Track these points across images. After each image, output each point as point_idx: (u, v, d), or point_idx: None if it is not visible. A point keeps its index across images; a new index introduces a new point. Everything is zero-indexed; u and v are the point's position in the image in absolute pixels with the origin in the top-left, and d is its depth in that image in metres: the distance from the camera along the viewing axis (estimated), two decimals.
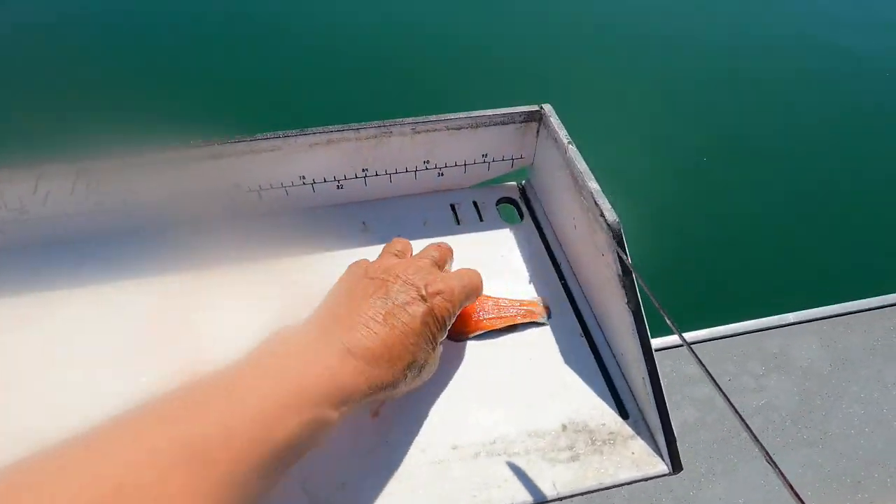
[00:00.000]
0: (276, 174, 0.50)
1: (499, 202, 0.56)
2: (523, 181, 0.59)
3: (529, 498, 0.35)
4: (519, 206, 0.56)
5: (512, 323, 0.45)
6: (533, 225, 0.54)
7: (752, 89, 2.33)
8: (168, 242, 0.49)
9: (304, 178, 0.51)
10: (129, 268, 0.47)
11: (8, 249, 0.47)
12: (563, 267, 0.50)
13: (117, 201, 0.47)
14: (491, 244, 0.52)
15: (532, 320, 0.45)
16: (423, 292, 0.35)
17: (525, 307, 0.46)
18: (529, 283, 0.49)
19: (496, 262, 0.50)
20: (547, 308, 0.46)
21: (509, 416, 0.40)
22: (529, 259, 0.51)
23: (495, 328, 0.44)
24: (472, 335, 0.44)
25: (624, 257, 0.39)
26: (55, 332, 0.43)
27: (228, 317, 0.44)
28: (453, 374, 0.42)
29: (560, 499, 0.36)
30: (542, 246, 0.52)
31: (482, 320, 0.44)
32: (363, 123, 0.49)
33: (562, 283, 0.49)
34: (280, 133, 0.47)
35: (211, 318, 0.44)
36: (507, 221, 0.54)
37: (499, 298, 0.46)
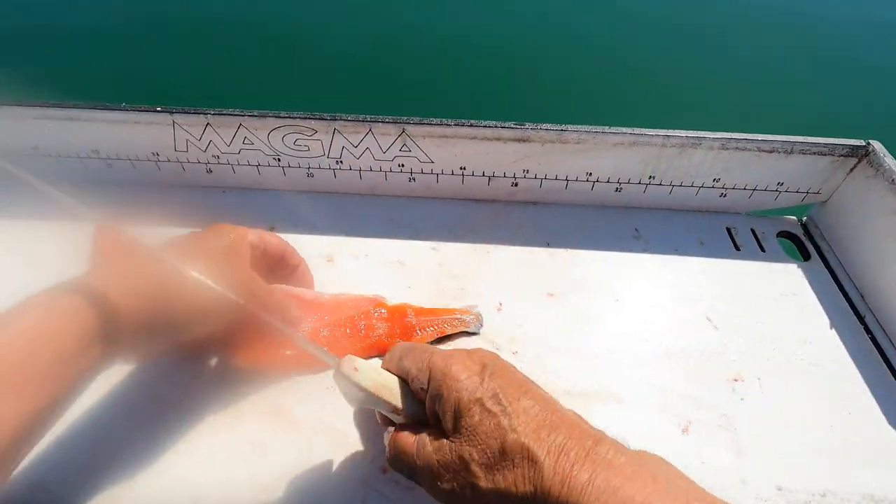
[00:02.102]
0: (559, 168, 0.50)
1: (778, 234, 0.53)
2: (804, 217, 0.54)
3: None
4: (803, 243, 0.52)
5: (443, 334, 0.43)
6: (823, 266, 0.50)
7: None
8: None
9: (589, 174, 0.51)
10: None
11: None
12: (868, 319, 0.45)
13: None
14: (776, 279, 0.48)
15: (463, 329, 0.43)
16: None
17: (456, 316, 0.43)
18: (831, 328, 0.45)
19: (785, 299, 0.47)
20: (478, 316, 0.44)
21: (833, 471, 0.36)
22: (824, 303, 0.47)
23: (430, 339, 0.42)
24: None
25: None
26: None
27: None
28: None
29: None
30: (838, 291, 0.48)
31: (419, 336, 0.42)
32: (674, 131, 0.47)
33: (869, 337, 0.44)
34: (588, 128, 0.47)
35: None
36: (790, 257, 0.51)
37: (431, 312, 0.44)
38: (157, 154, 0.51)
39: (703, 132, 0.47)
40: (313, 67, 1.60)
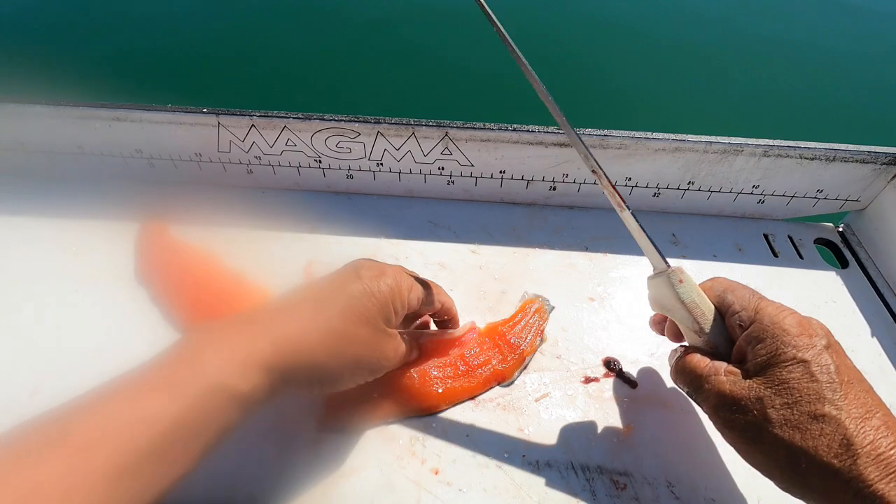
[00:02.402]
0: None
1: (816, 241, 0.53)
2: (840, 224, 0.55)
3: None
4: (840, 250, 0.52)
5: (541, 331, 0.42)
6: (862, 273, 0.50)
7: None
8: None
9: (629, 179, 0.51)
10: None
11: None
12: None
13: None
14: (815, 287, 0.49)
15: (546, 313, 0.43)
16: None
17: (534, 307, 0.42)
18: (872, 336, 0.45)
19: (826, 306, 0.47)
20: (542, 297, 0.43)
21: None
22: (864, 311, 0.47)
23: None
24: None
25: None
26: None
27: None
28: None
29: None
30: (878, 299, 0.48)
31: (527, 348, 0.41)
32: (716, 137, 0.47)
33: None
34: (630, 133, 0.48)
35: None
36: (828, 264, 0.51)
37: (514, 319, 0.42)
38: (200, 154, 0.52)
39: (745, 139, 0.47)
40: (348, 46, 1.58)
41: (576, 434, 0.37)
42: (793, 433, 0.27)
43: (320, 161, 0.52)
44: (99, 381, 0.38)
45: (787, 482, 0.28)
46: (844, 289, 0.48)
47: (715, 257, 0.51)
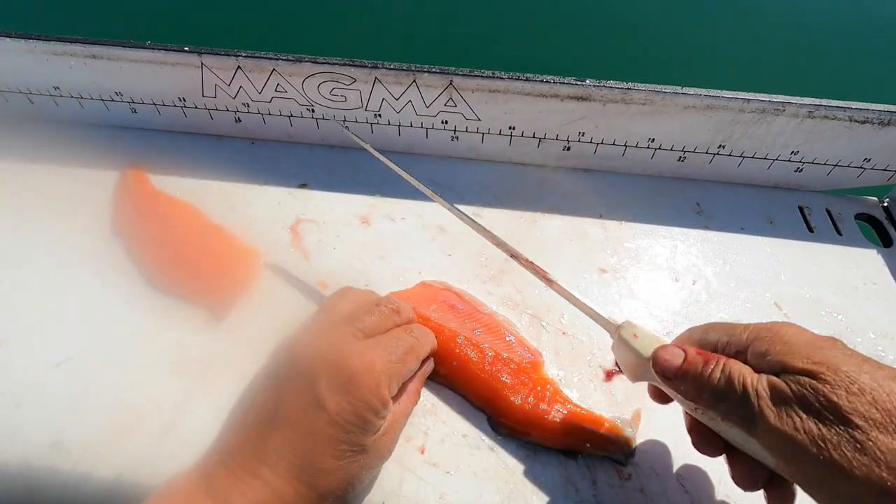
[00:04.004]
0: (619, 132, 0.46)
1: (856, 217, 0.48)
2: (885, 198, 0.49)
3: None
4: (884, 227, 0.47)
5: (573, 448, 0.33)
6: None
7: None
8: None
9: (652, 140, 0.46)
10: None
11: None
12: None
13: None
14: (853, 266, 0.44)
15: (604, 453, 0.33)
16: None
17: (602, 431, 0.32)
18: None
19: (865, 288, 0.42)
20: (630, 442, 0.32)
21: None
22: None
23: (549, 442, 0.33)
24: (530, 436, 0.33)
25: None
26: None
27: None
28: None
29: None
30: None
31: (544, 422, 0.33)
32: (755, 94, 0.42)
33: None
34: (657, 87, 0.42)
35: None
36: (870, 242, 0.46)
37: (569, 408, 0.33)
38: (184, 99, 0.48)
39: (788, 97, 0.42)
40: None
41: None
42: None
43: (313, 110, 0.47)
44: (66, 339, 0.36)
45: None
46: (886, 269, 0.44)
47: (742, 230, 0.46)
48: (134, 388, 0.34)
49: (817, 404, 0.22)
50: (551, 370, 0.36)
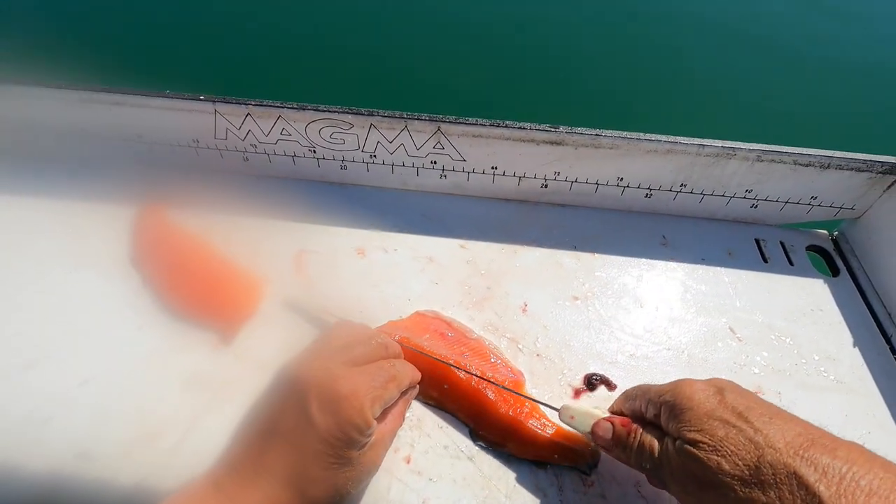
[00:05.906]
0: (591, 171, 0.51)
1: (808, 248, 0.52)
2: (835, 231, 0.54)
3: None
4: (832, 258, 0.52)
5: (543, 458, 0.37)
6: (852, 283, 0.49)
7: None
8: None
9: (621, 179, 0.51)
10: None
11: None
12: (895, 339, 0.45)
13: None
14: (803, 294, 0.48)
15: (570, 464, 0.37)
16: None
17: (570, 444, 0.37)
18: (854, 346, 0.45)
19: (812, 314, 0.47)
20: (595, 455, 0.37)
21: None
22: (850, 320, 0.47)
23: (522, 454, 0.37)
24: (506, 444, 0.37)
25: None
26: None
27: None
28: None
29: None
30: (866, 309, 0.47)
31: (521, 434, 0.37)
32: (709, 140, 0.47)
33: (894, 357, 0.44)
34: (622, 133, 0.47)
35: None
36: (819, 272, 0.50)
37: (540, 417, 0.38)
38: (197, 141, 0.53)
39: (738, 143, 0.47)
40: (340, 63, 1.60)
41: None
42: (753, 493, 0.25)
43: (315, 151, 0.52)
44: (90, 360, 0.40)
45: None
46: (832, 297, 0.48)
47: (703, 261, 0.51)
48: (151, 404, 0.38)
49: (699, 473, 0.27)
50: (526, 388, 0.40)
